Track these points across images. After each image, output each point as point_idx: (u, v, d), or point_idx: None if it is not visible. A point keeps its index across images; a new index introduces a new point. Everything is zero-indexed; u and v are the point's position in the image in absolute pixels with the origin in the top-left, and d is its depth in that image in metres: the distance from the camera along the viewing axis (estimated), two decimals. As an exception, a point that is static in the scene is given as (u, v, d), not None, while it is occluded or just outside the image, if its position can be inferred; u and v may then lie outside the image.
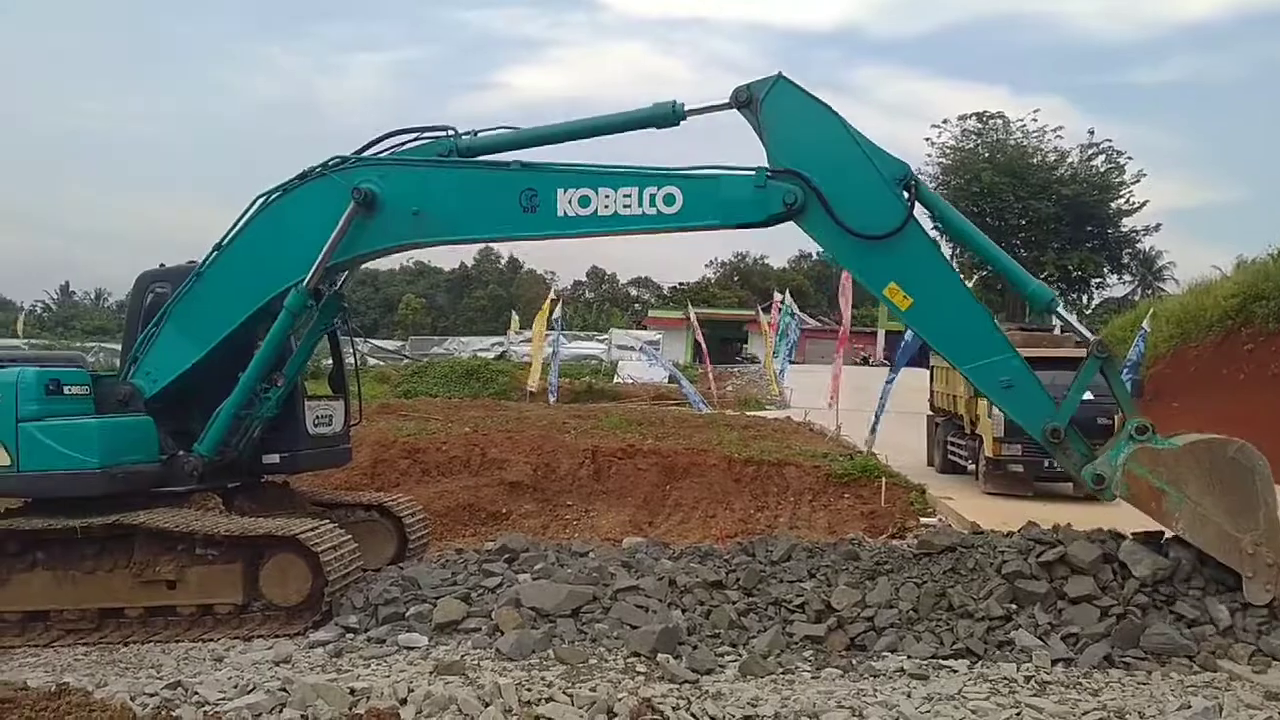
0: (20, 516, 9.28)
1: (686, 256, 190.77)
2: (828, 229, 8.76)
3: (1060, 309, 9.10)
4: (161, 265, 10.29)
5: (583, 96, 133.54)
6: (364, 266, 11.20)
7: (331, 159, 9.54)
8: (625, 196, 8.98)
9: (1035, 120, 55.03)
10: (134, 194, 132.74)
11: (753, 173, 8.79)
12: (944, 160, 55.80)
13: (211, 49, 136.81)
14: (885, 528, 14.19)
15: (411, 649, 8.07)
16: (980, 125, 56.07)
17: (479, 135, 9.60)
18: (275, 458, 10.13)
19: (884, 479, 15.73)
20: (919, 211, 8.84)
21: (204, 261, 9.70)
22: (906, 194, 8.71)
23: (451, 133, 9.62)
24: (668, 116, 9.22)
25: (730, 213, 8.90)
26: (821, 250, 9.19)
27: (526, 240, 9.71)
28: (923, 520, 14.47)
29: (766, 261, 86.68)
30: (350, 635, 8.48)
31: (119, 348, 10.64)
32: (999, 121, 55.82)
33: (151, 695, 6.90)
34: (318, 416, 10.48)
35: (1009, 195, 52.65)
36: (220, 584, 8.86)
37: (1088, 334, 8.98)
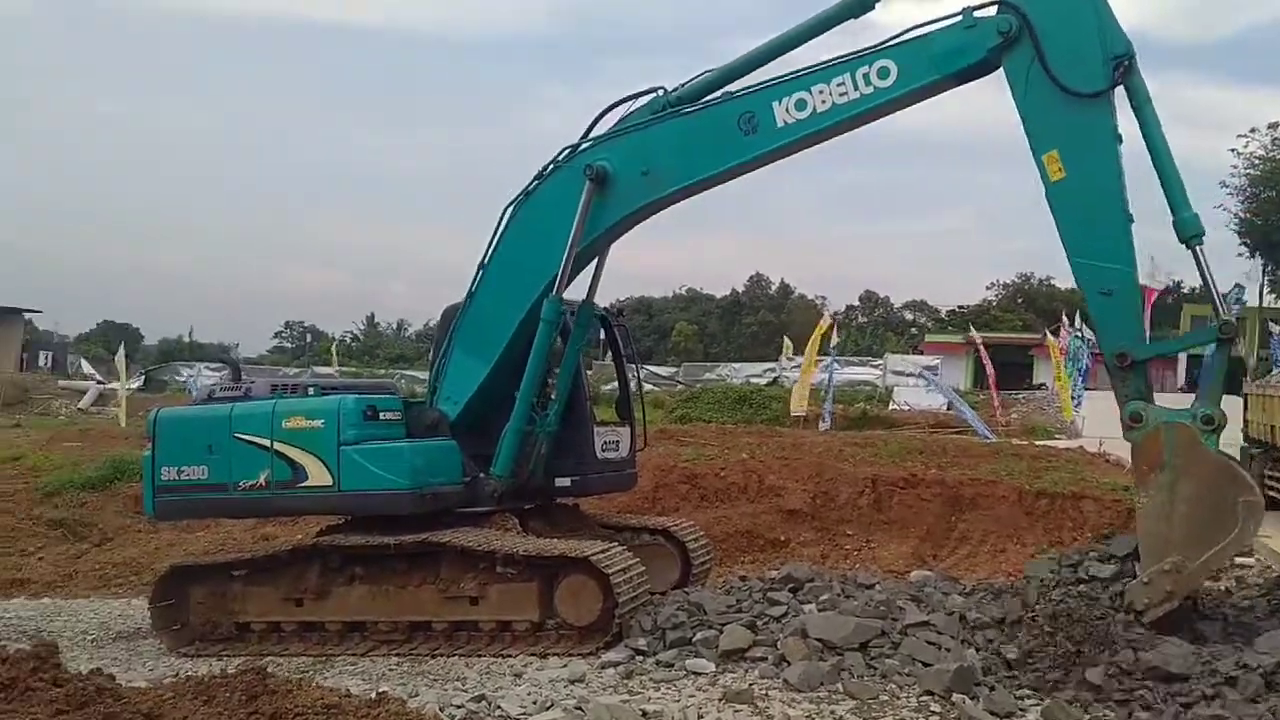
0: (340, 533, 10.02)
1: (965, 279, 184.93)
2: (1027, 70, 8.49)
3: (1200, 249, 8.44)
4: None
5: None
6: (638, 295, 11.61)
7: (560, 151, 9.93)
8: (839, 86, 9.00)
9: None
10: (430, 228, 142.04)
11: (959, 16, 8.70)
12: (1252, 171, 51.46)
13: (512, 89, 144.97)
14: (1196, 569, 13.13)
15: (699, 674, 8.12)
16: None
17: (685, 85, 9.82)
18: (567, 481, 10.51)
19: (1193, 515, 14.56)
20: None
21: (472, 282, 10.23)
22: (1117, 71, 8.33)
23: (661, 90, 9.90)
24: (862, 3, 9.27)
25: (948, 62, 8.78)
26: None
27: (754, 165, 9.61)
28: (1238, 560, 13.32)
29: (1052, 282, 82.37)
30: (640, 657, 8.62)
31: (419, 374, 11.34)
32: (1297, 130, 51.04)
33: (459, 707, 7.28)
34: (606, 441, 10.80)
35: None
36: (518, 602, 9.23)
37: (1222, 307, 8.50)
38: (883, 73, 8.89)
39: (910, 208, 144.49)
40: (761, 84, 9.43)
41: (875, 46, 8.95)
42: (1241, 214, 50.57)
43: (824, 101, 9.05)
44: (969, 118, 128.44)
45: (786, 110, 9.15)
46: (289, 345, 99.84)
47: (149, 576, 12.50)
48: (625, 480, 11.41)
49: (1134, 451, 8.44)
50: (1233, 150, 52.78)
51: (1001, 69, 8.71)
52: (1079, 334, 32.49)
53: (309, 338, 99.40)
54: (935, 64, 8.82)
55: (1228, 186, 51.97)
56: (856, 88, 8.96)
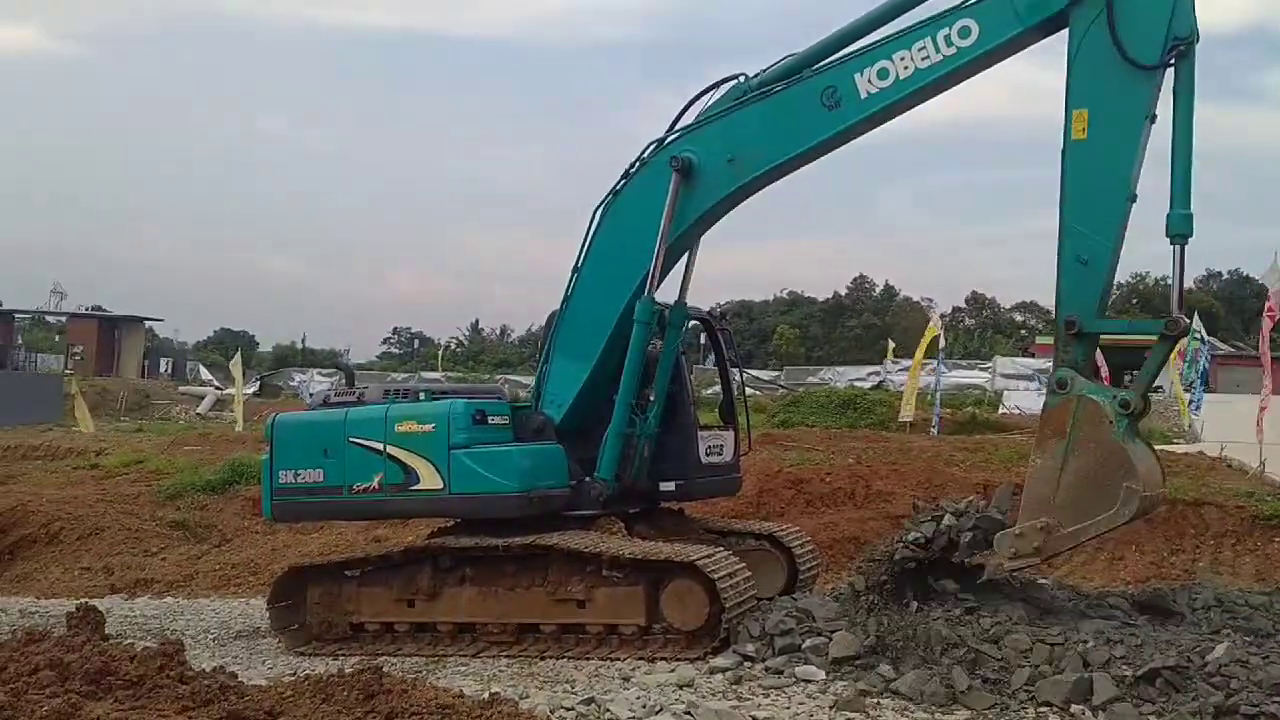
0: (451, 535, 10.18)
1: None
2: (1088, 24, 8.45)
3: (1182, 249, 8.39)
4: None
5: (961, 117, 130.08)
6: (739, 299, 11.64)
7: (646, 147, 10.00)
8: (920, 50, 8.98)
9: None
10: (534, 237, 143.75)
11: None
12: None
13: (610, 99, 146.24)
14: (1326, 577, 12.60)
15: (809, 682, 8.02)
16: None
17: (766, 70, 9.82)
18: (671, 485, 10.54)
19: (1323, 522, 13.98)
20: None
21: (568, 286, 10.33)
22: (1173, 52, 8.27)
23: (742, 77, 9.91)
24: None
25: (1031, 13, 8.69)
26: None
27: (840, 140, 9.58)
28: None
29: (1168, 282, 79.91)
30: (748, 664, 8.54)
31: (522, 379, 11.54)
32: None
33: (569, 709, 7.31)
34: (709, 446, 10.80)
35: None
36: (625, 605, 9.24)
37: (1176, 306, 8.41)
38: (964, 32, 8.86)
39: (1016, 208, 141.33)
40: (842, 56, 9.43)
41: (954, 7, 8.93)
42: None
43: (906, 68, 9.02)
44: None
45: (869, 80, 9.14)
46: (397, 351, 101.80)
47: (266, 577, 12.86)
48: (730, 485, 11.38)
49: (1043, 414, 8.61)
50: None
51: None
52: (1199, 335, 31.41)
53: (416, 343, 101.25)
54: (1018, 17, 8.75)
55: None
56: (939, 50, 8.93)
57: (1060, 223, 8.67)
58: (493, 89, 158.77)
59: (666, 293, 10.64)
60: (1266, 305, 21.69)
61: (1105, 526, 8.24)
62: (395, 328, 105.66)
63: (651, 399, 10.27)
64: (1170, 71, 8.39)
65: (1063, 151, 8.62)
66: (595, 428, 10.17)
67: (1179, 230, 8.39)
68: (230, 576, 14.46)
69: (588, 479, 10.06)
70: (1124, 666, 7.52)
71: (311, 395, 16.65)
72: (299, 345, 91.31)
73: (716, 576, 8.89)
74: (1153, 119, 8.50)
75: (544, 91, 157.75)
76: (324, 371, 60.96)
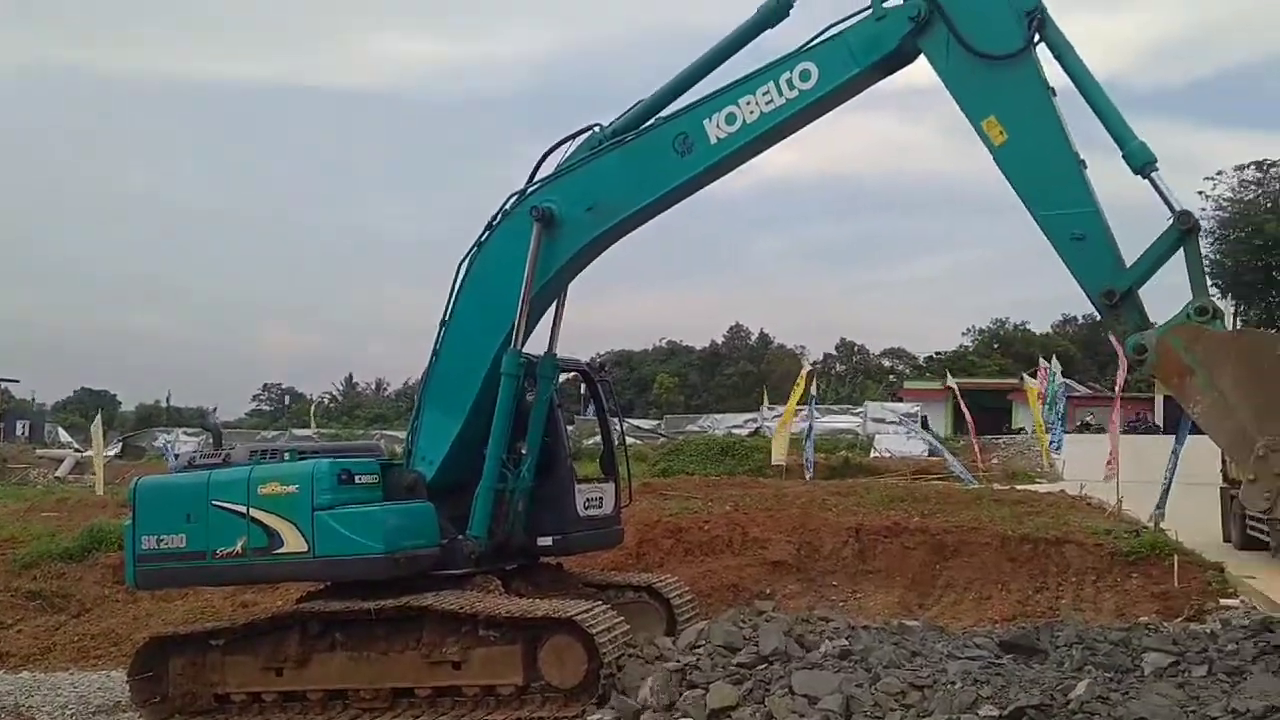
0: (320, 599, 9.92)
1: (941, 326, 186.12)
2: (945, 47, 8.71)
3: (1156, 174, 8.32)
4: None
5: (830, 169, 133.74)
6: (619, 348, 11.69)
7: (507, 199, 10.11)
8: (764, 94, 9.23)
9: (1324, 166, 50.93)
10: (410, 289, 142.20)
11: (869, 10, 8.98)
12: (1221, 214, 52.28)
13: (488, 151, 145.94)
14: (1180, 610, 13.13)
15: (688, 734, 8.00)
16: (1260, 174, 52.32)
17: (620, 118, 10.05)
18: (549, 540, 10.45)
19: (1176, 557, 14.58)
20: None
21: (436, 339, 10.32)
22: (1031, 26, 8.44)
23: (597, 126, 10.13)
24: (777, 11, 9.60)
25: (865, 54, 9.02)
26: (942, 85, 8.88)
27: (695, 185, 9.78)
28: (1223, 602, 13.35)
29: (1028, 327, 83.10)
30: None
31: (398, 434, 11.38)
32: (1281, 170, 51.97)
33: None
34: (588, 498, 10.76)
35: (1297, 248, 48.72)
36: (502, 665, 9.11)
37: (1176, 204, 8.25)
38: (804, 75, 9.13)
39: (884, 257, 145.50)
40: (691, 105, 9.66)
41: (790, 53, 9.22)
42: (1212, 255, 51.16)
43: (753, 112, 9.26)
44: (939, 171, 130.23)
45: (718, 126, 9.37)
46: (267, 408, 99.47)
47: (128, 647, 12.31)
48: (610, 537, 11.35)
49: (1158, 373, 8.29)
50: (1201, 193, 53.63)
51: (923, 56, 8.95)
52: (1056, 377, 32.68)
53: (287, 400, 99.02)
54: (854, 59, 9.05)
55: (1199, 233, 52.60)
56: (781, 93, 9.18)
57: (1037, 219, 8.66)
58: (367, 141, 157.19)
59: (537, 344, 10.67)
60: (1120, 354, 22.66)
61: None
62: (265, 384, 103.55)
63: (524, 452, 10.20)
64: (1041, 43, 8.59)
65: (995, 161, 8.75)
66: (469, 484, 10.05)
67: (1144, 159, 8.34)
68: (89, 648, 13.84)
69: (460, 537, 9.93)
70: (991, 707, 7.67)
71: (177, 457, 16.15)
72: (164, 404, 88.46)
73: (595, 631, 8.84)
74: (1053, 91, 8.63)
75: (420, 143, 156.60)
76: (190, 431, 59.12)
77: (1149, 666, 8.65)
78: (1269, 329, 9.44)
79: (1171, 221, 8.28)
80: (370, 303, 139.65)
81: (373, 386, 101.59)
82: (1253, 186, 52.35)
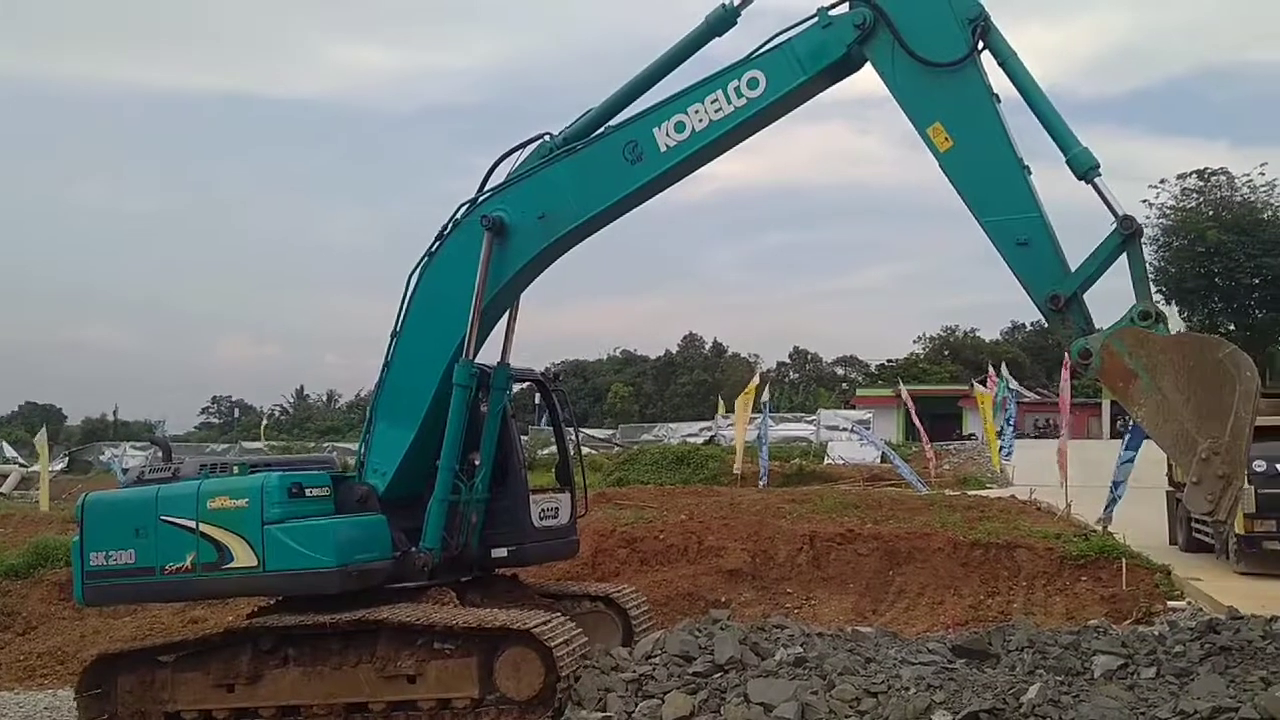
0: (273, 615, 9.79)
1: (893, 333, 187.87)
2: (890, 55, 8.82)
3: (1099, 180, 8.44)
4: None
5: (782, 179, 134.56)
6: (573, 358, 11.65)
7: (458, 208, 10.08)
8: (712, 103, 9.28)
9: (1263, 174, 52.05)
10: (361, 301, 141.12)
11: (815, 17, 9.06)
12: (1164, 221, 53.23)
13: (438, 163, 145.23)
14: (1130, 613, 13.41)
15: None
16: (1202, 183, 53.35)
17: (570, 126, 10.05)
18: (504, 551, 10.38)
19: (1124, 560, 14.84)
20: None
21: (388, 351, 10.26)
22: (975, 34, 8.56)
23: (548, 135, 10.11)
24: (724, 19, 9.56)
25: (812, 62, 9.09)
26: (887, 90, 9.00)
27: (646, 193, 9.81)
28: (1170, 604, 13.60)
29: (978, 334, 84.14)
30: (583, 730, 8.48)
31: (350, 446, 11.26)
32: (1222, 178, 53.01)
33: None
34: (544, 509, 10.70)
35: (1239, 254, 49.69)
36: (458, 677, 9.03)
37: (1119, 208, 8.37)
38: (752, 83, 9.20)
39: (836, 267, 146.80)
40: (641, 113, 9.68)
41: (737, 61, 9.26)
42: (1155, 262, 52.06)
43: (701, 120, 9.32)
44: (890, 180, 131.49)
45: (667, 134, 9.42)
46: (217, 421, 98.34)
47: (75, 665, 12.10)
48: (566, 548, 11.28)
49: (1102, 378, 8.38)
50: (1145, 201, 54.63)
51: (869, 64, 9.03)
52: (1006, 384, 33.11)
53: (236, 412, 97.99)
54: (800, 66, 9.12)
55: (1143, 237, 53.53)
56: (730, 101, 9.25)
57: (982, 226, 8.76)
58: (320, 150, 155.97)
59: (490, 355, 10.63)
60: (1066, 360, 22.97)
61: (1249, 402, 7.72)
62: (215, 397, 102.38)
63: (477, 464, 10.15)
64: (985, 50, 8.72)
65: (941, 167, 8.84)
66: (422, 496, 9.97)
67: (1087, 165, 8.44)
68: (35, 667, 13.67)
69: (413, 549, 9.84)
70: (944, 712, 7.77)
71: (126, 471, 15.89)
72: (111, 418, 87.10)
73: (553, 643, 8.81)
74: (997, 98, 8.73)
75: (373, 153, 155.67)
76: (137, 445, 58.20)
77: (1099, 669, 8.80)
78: (1212, 334, 9.64)
79: (1115, 226, 8.40)
80: (322, 314, 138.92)
81: (324, 398, 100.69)
82: (1194, 195, 53.35)
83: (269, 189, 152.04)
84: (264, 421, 73.99)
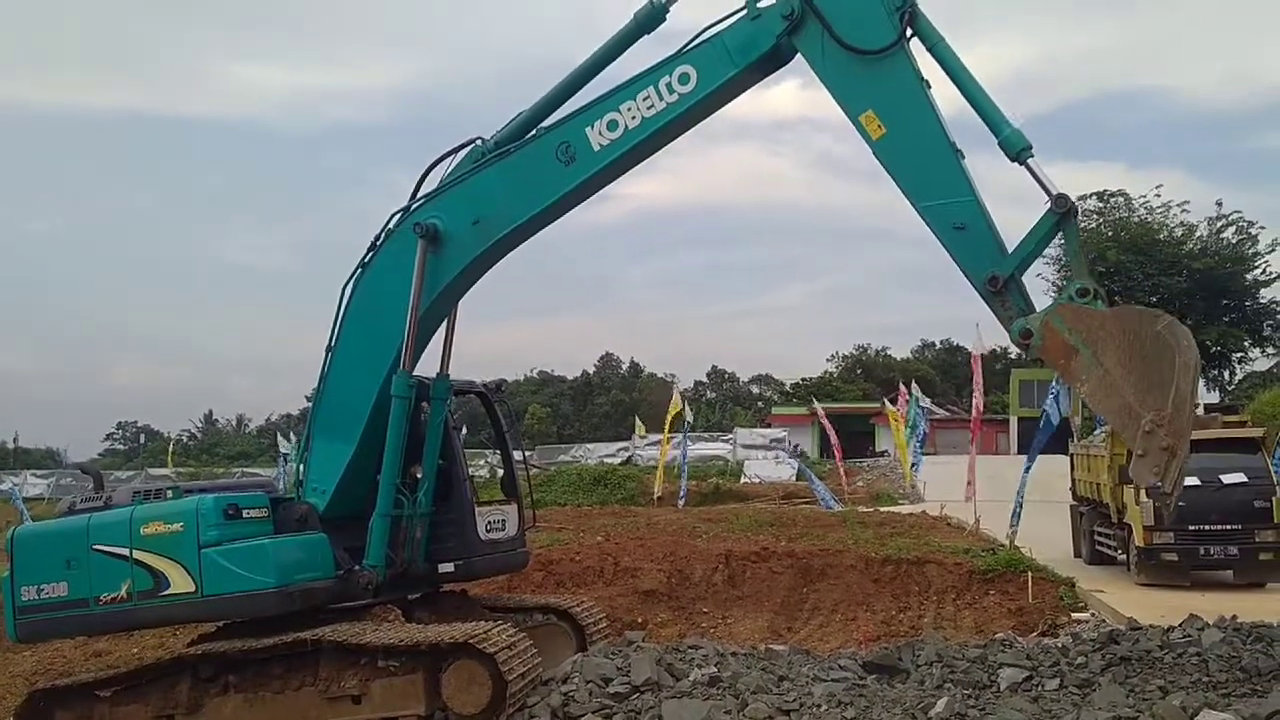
0: (211, 641, 9.67)
1: (807, 352, 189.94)
2: (820, 44, 8.84)
3: (1032, 161, 8.45)
4: None
5: (699, 199, 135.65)
6: (490, 379, 11.55)
7: (390, 217, 10.04)
8: (645, 99, 9.26)
9: (1159, 196, 54.19)
10: (273, 323, 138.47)
11: (743, 10, 9.08)
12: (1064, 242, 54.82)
13: (350, 180, 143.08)
14: (1036, 625, 13.95)
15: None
16: (1101, 204, 55.23)
17: (502, 130, 10.02)
18: (451, 566, 10.30)
19: (1030, 573, 15.44)
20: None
21: (323, 366, 10.16)
22: (903, 20, 8.63)
23: (479, 140, 10.03)
24: (653, 16, 9.54)
25: (742, 55, 9.09)
26: (821, 83, 9.06)
27: (580, 194, 9.75)
28: (1074, 616, 14.17)
29: (889, 353, 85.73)
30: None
31: (261, 471, 11.11)
32: (1120, 199, 55.02)
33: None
34: (490, 522, 10.62)
35: (1137, 273, 51.51)
36: (403, 695, 8.96)
37: (1052, 188, 8.40)
38: (683, 79, 9.20)
39: (751, 286, 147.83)
40: (572, 113, 9.65)
41: (668, 57, 9.29)
42: (1058, 283, 53.74)
43: (634, 118, 9.30)
44: (803, 201, 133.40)
45: (599, 133, 9.38)
46: (122, 447, 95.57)
47: (11, 703, 11.89)
48: (516, 560, 11.14)
49: (1044, 356, 8.35)
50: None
51: (800, 55, 9.07)
52: (918, 402, 33.94)
53: (142, 438, 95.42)
54: (731, 60, 9.12)
55: (1045, 257, 55.28)
56: (662, 98, 9.24)
57: (918, 212, 8.74)
58: (225, 170, 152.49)
59: (429, 367, 10.55)
60: (974, 378, 23.74)
61: (1189, 374, 7.72)
62: (120, 422, 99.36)
63: (420, 477, 10.05)
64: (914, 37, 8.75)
65: (875, 155, 8.83)
66: (365, 513, 9.82)
67: (1019, 146, 8.41)
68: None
69: (356, 568, 9.70)
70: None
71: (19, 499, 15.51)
72: (10, 445, 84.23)
73: (495, 651, 8.73)
74: (927, 84, 8.75)
75: (279, 173, 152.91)
76: (39, 473, 56.57)
77: (1005, 681, 9.19)
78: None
79: (1049, 206, 8.42)
80: (230, 336, 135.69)
81: (234, 423, 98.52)
82: (1095, 216, 55.14)
83: (173, 209, 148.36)
84: (171, 447, 72.26)
